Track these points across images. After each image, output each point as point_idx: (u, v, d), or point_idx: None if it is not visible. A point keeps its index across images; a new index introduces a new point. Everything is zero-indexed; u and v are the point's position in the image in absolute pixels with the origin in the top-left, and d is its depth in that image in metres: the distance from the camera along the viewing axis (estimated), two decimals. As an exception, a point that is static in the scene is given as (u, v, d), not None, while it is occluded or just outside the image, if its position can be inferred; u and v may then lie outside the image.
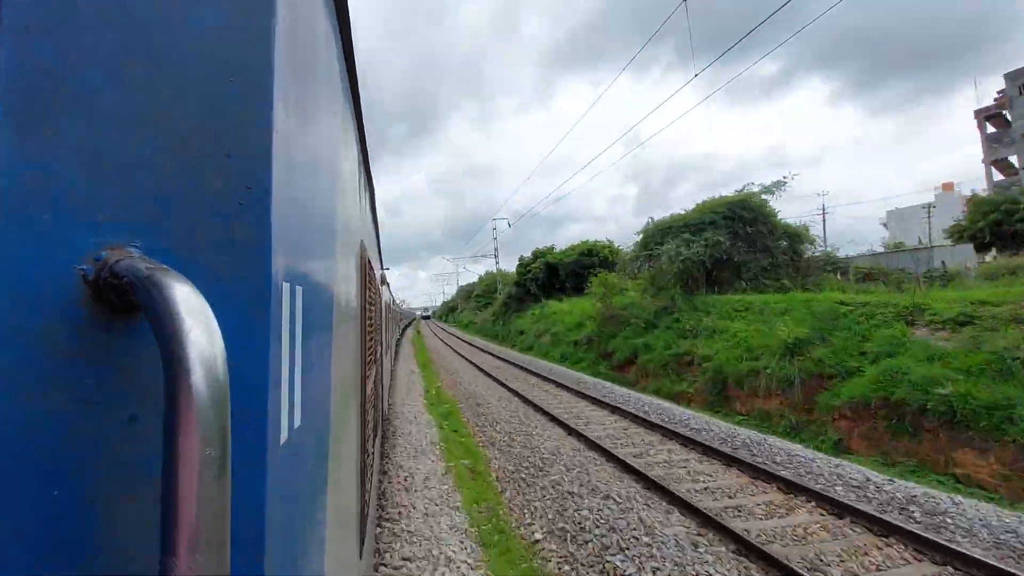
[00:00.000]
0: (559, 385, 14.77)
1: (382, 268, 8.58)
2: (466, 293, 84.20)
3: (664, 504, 5.98)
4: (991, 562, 4.39)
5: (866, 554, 4.80)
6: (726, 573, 4.51)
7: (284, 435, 0.69)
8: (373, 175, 3.51)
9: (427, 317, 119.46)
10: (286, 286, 0.69)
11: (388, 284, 10.71)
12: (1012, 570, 4.23)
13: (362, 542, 2.34)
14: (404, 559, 4.90)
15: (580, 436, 8.99)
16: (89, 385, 0.45)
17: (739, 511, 5.80)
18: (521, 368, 19.13)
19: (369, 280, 2.90)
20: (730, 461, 7.43)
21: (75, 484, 0.43)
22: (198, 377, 0.38)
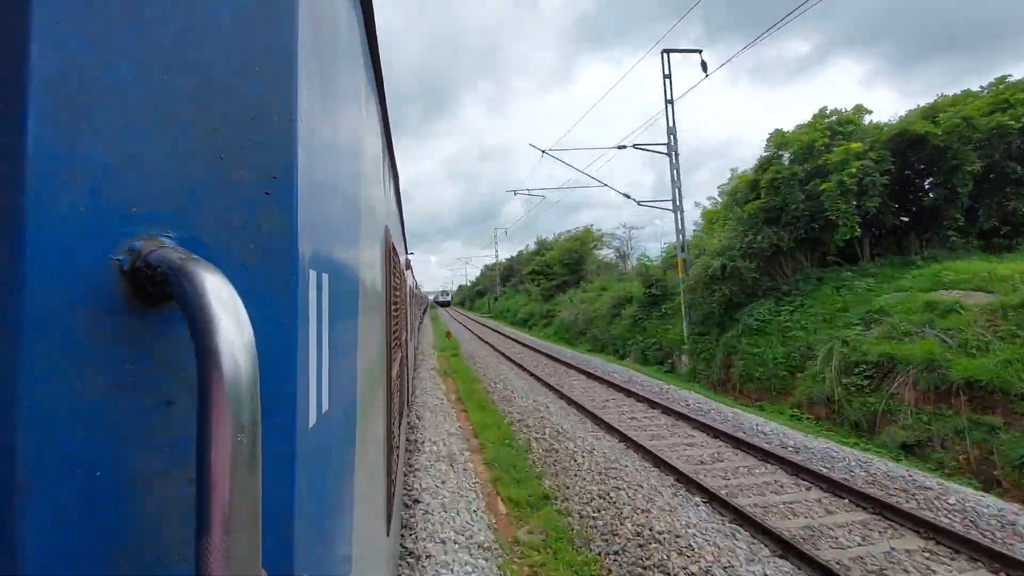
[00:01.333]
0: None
1: (406, 253, 8.69)
2: (503, 270, 68.82)
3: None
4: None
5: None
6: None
7: (312, 419, 0.70)
8: (396, 159, 3.52)
9: (445, 303, 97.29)
10: (312, 273, 0.70)
11: (412, 269, 10.82)
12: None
13: (389, 521, 2.41)
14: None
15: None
16: (127, 370, 0.46)
17: None
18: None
19: (394, 265, 2.93)
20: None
21: (117, 465, 0.45)
22: (229, 366, 0.39)
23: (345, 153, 1.04)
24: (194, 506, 0.39)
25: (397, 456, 3.21)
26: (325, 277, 0.80)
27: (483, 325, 42.75)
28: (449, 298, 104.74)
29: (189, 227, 0.51)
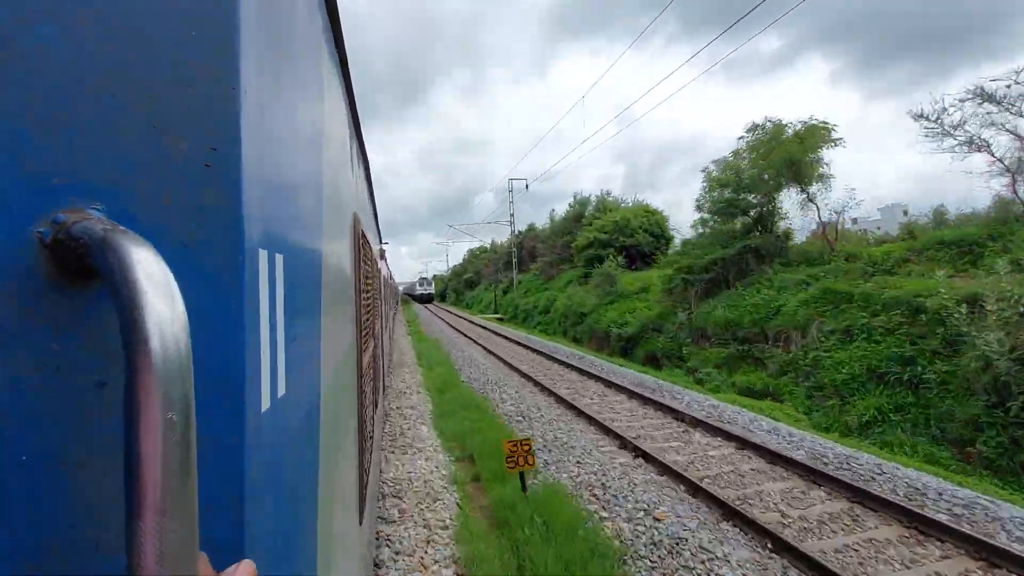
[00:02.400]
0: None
1: (380, 243, 8.54)
2: (501, 257, 51.84)
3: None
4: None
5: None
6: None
7: (266, 403, 0.68)
8: (367, 147, 3.45)
9: (426, 297, 66.68)
10: (263, 253, 0.67)
11: (386, 259, 10.64)
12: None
13: (362, 510, 2.39)
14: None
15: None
16: (54, 351, 0.44)
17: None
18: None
19: (365, 253, 2.88)
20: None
21: (43, 449, 0.43)
22: (157, 343, 0.37)
23: (303, 131, 1.01)
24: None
25: (370, 445, 3.18)
26: (279, 258, 0.77)
27: (542, 355, 16.41)
28: (431, 289, 69.09)
29: (120, 200, 0.48)
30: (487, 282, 56.30)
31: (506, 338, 21.93)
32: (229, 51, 0.56)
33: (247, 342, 0.59)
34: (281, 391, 0.77)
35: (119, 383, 0.47)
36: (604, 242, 30.06)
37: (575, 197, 41.17)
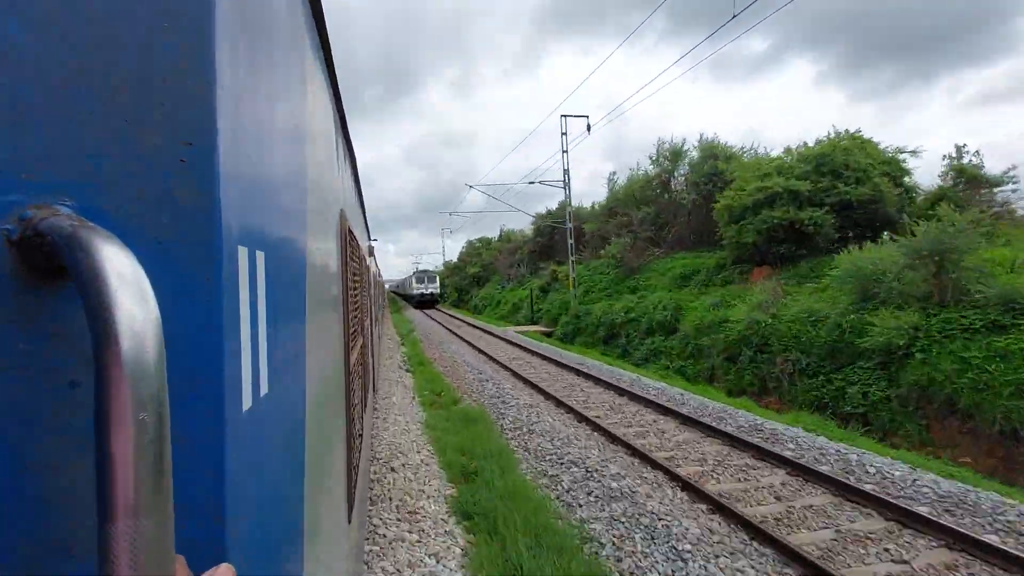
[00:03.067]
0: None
1: (369, 240, 8.48)
2: (521, 246, 42.31)
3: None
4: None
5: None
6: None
7: (248, 402, 0.67)
8: (354, 142, 3.41)
9: (427, 301, 48.57)
10: (242, 250, 0.66)
11: (375, 256, 10.56)
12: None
13: (351, 508, 2.38)
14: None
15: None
16: (22, 351, 0.43)
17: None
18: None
19: (352, 250, 2.85)
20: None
21: (12, 450, 0.42)
22: (127, 340, 0.36)
23: (284, 125, 1.00)
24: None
25: (359, 444, 3.16)
26: (260, 255, 0.76)
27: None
28: (436, 287, 50.30)
29: (91, 196, 0.47)
30: (502, 277, 44.04)
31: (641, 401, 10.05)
32: (203, 43, 0.55)
33: (225, 341, 0.58)
34: (264, 390, 0.76)
35: (92, 384, 0.46)
36: (806, 197, 16.50)
37: (658, 147, 27.06)
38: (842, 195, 16.24)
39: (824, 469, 6.44)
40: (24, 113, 0.44)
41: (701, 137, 26.39)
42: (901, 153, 17.85)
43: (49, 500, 0.43)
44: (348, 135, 3.05)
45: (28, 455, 0.43)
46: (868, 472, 6.47)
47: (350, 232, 2.71)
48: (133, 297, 0.37)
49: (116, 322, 0.36)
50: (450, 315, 38.96)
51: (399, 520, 5.13)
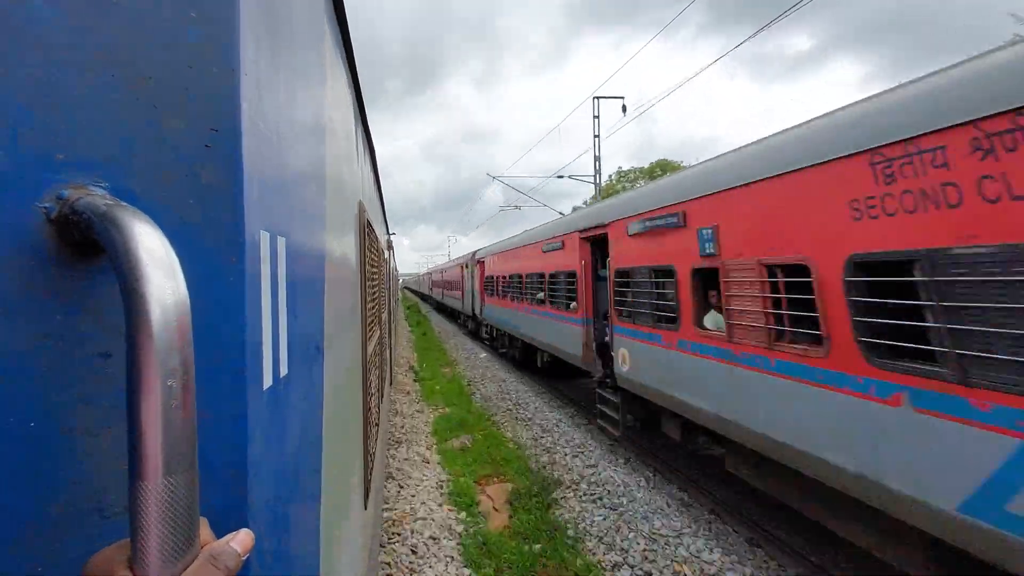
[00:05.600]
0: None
1: (388, 233, 8.55)
2: None
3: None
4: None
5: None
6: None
7: (268, 381, 0.70)
8: (374, 136, 3.45)
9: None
10: (265, 235, 0.69)
11: (393, 249, 10.64)
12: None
13: (367, 495, 2.43)
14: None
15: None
16: (58, 322, 0.45)
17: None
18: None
19: (370, 242, 2.90)
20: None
21: (49, 416, 0.45)
22: (156, 311, 0.38)
23: (305, 116, 1.02)
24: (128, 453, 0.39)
25: (376, 432, 3.22)
26: (281, 240, 0.78)
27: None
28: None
29: (122, 177, 0.49)
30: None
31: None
32: (228, 34, 0.57)
33: (247, 321, 0.60)
34: (283, 371, 0.79)
35: (123, 355, 0.49)
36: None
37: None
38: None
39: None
40: (56, 96, 0.46)
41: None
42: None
43: (83, 464, 0.46)
44: (368, 128, 3.09)
45: (64, 421, 0.46)
46: None
47: (368, 224, 2.75)
48: (163, 273, 0.40)
49: (147, 295, 0.38)
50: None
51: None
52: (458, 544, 4.27)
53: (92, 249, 0.46)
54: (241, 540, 0.43)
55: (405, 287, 74.01)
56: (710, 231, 4.11)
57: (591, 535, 4.39)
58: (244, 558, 0.42)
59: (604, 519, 4.65)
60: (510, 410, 8.31)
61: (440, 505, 4.95)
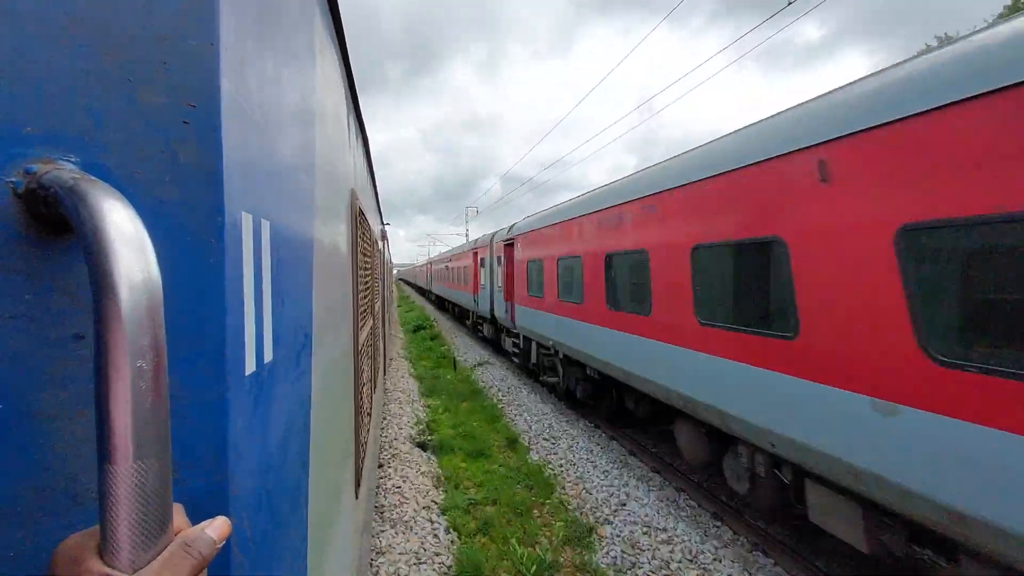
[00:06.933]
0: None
1: (382, 223, 8.47)
2: None
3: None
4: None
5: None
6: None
7: (251, 367, 0.69)
8: (366, 123, 3.41)
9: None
10: (247, 217, 0.67)
11: (387, 240, 10.53)
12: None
13: (358, 483, 2.43)
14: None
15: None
16: (28, 301, 0.44)
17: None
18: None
19: (362, 230, 2.87)
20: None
21: (19, 399, 0.43)
22: (124, 290, 0.37)
23: (292, 97, 1.00)
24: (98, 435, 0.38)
25: (368, 422, 3.21)
26: (265, 224, 0.77)
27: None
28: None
29: (95, 152, 0.48)
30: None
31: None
32: (208, 5, 0.55)
33: (228, 304, 0.59)
34: (268, 357, 0.78)
35: (95, 336, 0.47)
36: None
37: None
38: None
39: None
40: (24, 68, 0.44)
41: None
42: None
43: (55, 448, 0.45)
44: (361, 116, 3.05)
45: (33, 404, 0.44)
46: None
47: (361, 212, 2.72)
48: (132, 249, 0.38)
49: (115, 272, 0.37)
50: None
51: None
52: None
53: (64, 226, 0.44)
54: (217, 527, 0.42)
55: (401, 279, 72.15)
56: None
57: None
58: (220, 545, 0.41)
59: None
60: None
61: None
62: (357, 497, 2.42)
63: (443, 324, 20.24)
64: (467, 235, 40.42)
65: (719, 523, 4.64)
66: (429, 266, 33.16)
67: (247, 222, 0.67)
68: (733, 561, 4.01)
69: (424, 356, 13.22)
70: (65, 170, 0.42)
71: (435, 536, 4.26)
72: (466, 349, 14.46)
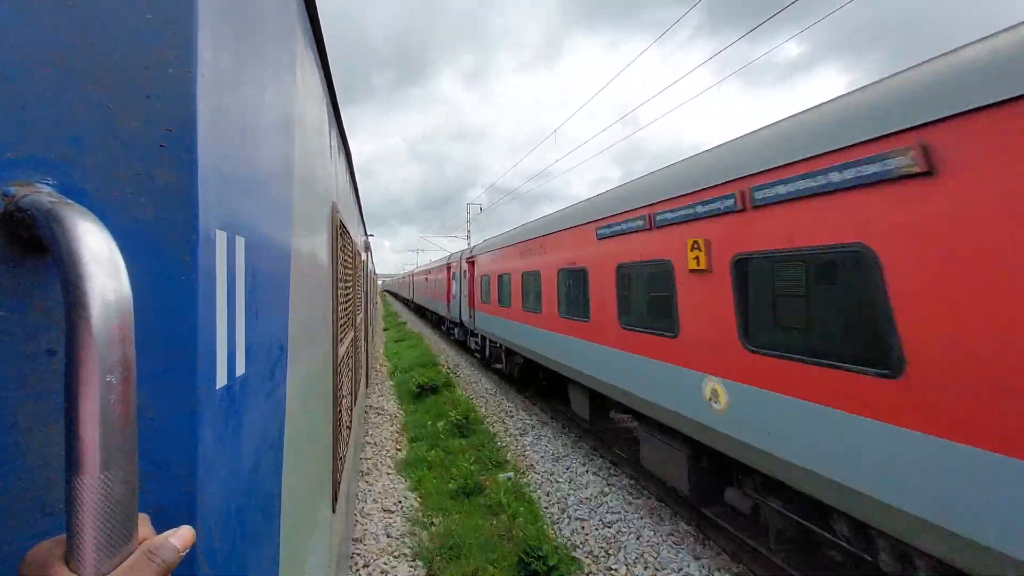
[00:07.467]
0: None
1: (365, 235, 8.47)
2: None
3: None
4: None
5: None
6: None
7: (222, 380, 0.70)
8: (350, 137, 3.43)
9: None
10: (221, 234, 0.69)
11: (371, 251, 10.52)
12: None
13: (335, 497, 2.41)
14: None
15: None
16: (3, 317, 0.46)
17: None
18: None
19: (343, 243, 2.88)
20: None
21: (-10, 412, 0.45)
22: (96, 308, 0.39)
23: (271, 115, 1.02)
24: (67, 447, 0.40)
25: (347, 436, 3.19)
26: (240, 240, 0.79)
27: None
28: None
29: (73, 176, 0.50)
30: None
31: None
32: (186, 33, 0.57)
33: (200, 318, 0.61)
34: (240, 370, 0.79)
35: (67, 351, 0.49)
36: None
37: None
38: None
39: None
40: (8, 93, 0.47)
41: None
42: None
43: (26, 459, 0.46)
44: (343, 129, 3.07)
45: (7, 416, 0.46)
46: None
47: (342, 225, 2.74)
48: (105, 269, 0.40)
49: (87, 291, 0.39)
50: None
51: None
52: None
53: (40, 246, 0.46)
54: (181, 536, 0.44)
55: (386, 291, 70.25)
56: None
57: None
58: (183, 553, 0.43)
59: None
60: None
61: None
62: (334, 511, 2.40)
63: (440, 344, 18.87)
64: (468, 236, 39.83)
65: (580, 439, 7.85)
66: (411, 277, 36.03)
67: (221, 239, 0.69)
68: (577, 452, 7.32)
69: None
70: (43, 193, 0.45)
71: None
72: (440, 351, 16.95)
